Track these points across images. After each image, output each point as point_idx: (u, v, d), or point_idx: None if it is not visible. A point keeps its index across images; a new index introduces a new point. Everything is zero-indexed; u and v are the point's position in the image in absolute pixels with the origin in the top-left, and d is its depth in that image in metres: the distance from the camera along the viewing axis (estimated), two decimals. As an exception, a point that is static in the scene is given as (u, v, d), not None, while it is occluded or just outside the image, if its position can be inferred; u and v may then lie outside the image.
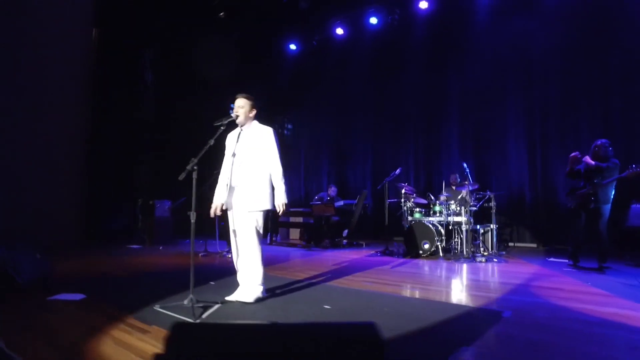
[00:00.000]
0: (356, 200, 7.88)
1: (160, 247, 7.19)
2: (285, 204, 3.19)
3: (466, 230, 6.16)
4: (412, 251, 6.22)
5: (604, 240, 4.99)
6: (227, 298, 3.20)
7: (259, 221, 3.15)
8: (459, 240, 6.28)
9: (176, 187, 9.61)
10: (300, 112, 11.25)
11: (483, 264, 5.51)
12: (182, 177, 2.88)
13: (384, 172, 7.81)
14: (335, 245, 7.72)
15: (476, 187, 6.30)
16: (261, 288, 3.20)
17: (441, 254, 6.11)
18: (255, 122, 3.35)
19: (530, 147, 7.67)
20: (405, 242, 6.36)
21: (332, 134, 10.50)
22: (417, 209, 6.73)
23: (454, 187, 7.06)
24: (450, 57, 8.45)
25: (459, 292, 3.82)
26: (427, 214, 6.68)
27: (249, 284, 3.17)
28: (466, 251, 6.06)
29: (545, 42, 7.41)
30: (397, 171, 6.88)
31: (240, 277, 3.26)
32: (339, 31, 9.55)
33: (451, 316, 2.86)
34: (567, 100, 7.29)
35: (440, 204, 6.39)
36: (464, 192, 6.44)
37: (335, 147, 10.38)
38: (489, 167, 8.00)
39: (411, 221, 6.45)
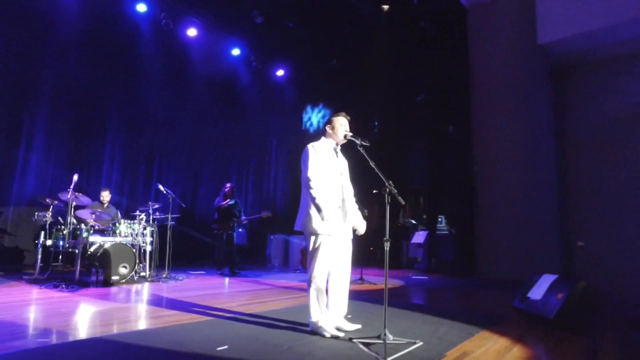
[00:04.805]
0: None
1: None
2: None
3: (150, 252, 6.13)
4: (110, 277, 5.24)
5: (235, 255, 7.33)
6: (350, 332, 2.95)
7: None
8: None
9: None
10: None
11: (182, 281, 5.99)
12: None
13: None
14: None
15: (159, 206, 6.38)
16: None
17: (136, 277, 5.66)
18: None
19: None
20: (102, 267, 5.19)
21: None
22: (86, 227, 5.58)
23: (105, 205, 6.40)
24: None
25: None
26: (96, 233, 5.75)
27: (344, 310, 3.08)
28: (150, 272, 6.02)
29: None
30: (75, 178, 5.45)
31: (339, 307, 3.03)
32: None
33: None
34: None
35: (129, 224, 5.84)
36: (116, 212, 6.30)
37: None
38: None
39: (102, 242, 5.36)
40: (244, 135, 10.52)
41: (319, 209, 2.87)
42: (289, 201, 11.19)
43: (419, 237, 8.48)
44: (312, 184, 2.94)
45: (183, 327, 3.10)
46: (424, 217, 9.88)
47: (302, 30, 9.42)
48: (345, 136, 3.13)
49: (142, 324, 3.19)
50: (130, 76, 8.15)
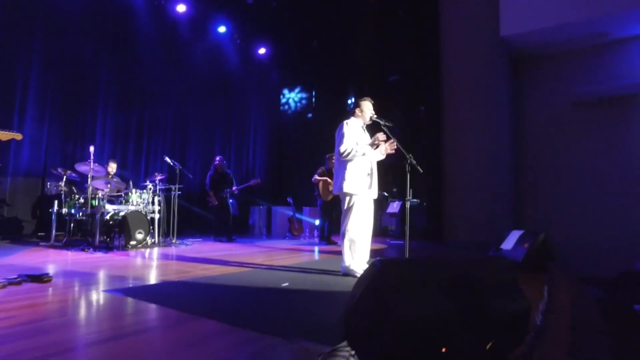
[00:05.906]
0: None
1: None
2: None
3: (159, 219, 6.56)
4: (128, 242, 5.69)
5: (231, 223, 7.92)
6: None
7: None
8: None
9: None
10: None
11: (191, 246, 6.53)
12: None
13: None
14: None
15: (163, 177, 6.77)
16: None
17: (149, 242, 6.13)
18: None
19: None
20: (122, 232, 5.63)
21: None
22: (101, 196, 5.94)
23: (110, 176, 6.71)
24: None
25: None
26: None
27: (367, 257, 3.85)
28: (160, 239, 6.48)
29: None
30: (92, 149, 5.75)
31: (364, 254, 3.77)
32: None
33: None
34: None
35: (140, 193, 6.24)
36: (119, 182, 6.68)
37: None
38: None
39: (117, 210, 5.78)
40: (226, 111, 10.85)
41: (360, 153, 3.62)
42: (267, 175, 11.75)
43: (393, 207, 9.43)
44: (348, 148, 3.64)
45: (239, 274, 3.76)
46: (394, 190, 10.87)
47: (285, 10, 9.82)
48: (371, 118, 3.84)
49: (199, 274, 3.77)
50: (121, 50, 8.23)
